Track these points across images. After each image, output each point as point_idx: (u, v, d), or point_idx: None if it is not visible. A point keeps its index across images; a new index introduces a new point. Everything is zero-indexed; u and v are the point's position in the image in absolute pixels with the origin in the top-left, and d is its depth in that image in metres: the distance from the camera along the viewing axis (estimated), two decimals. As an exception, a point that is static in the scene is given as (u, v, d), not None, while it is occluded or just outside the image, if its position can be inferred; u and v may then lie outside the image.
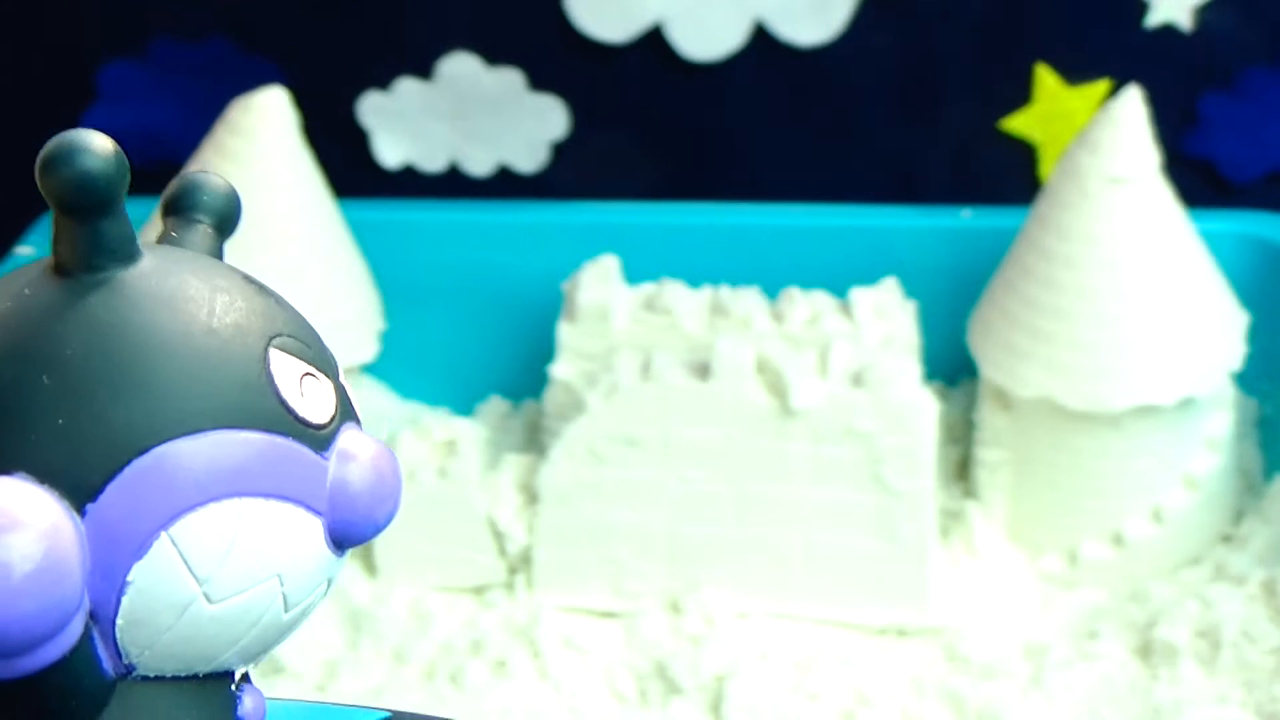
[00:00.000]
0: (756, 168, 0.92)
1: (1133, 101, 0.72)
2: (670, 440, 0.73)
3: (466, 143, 0.91)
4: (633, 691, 0.73)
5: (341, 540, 0.33)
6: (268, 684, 0.73)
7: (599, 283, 0.79)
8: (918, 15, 0.87)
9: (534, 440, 0.88)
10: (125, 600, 0.31)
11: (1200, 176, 0.91)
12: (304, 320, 0.35)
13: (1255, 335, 0.78)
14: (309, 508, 0.32)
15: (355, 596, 0.77)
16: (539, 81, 0.89)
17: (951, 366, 0.88)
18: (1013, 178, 0.91)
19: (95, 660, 0.31)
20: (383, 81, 0.90)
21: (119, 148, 0.31)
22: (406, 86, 0.90)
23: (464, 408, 0.91)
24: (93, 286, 0.32)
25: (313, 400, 0.33)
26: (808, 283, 0.81)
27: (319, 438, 0.33)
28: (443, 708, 0.72)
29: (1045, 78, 0.88)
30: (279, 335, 0.33)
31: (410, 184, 0.92)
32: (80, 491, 0.30)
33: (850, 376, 0.72)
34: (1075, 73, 0.88)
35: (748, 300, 0.79)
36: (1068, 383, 0.73)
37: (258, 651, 0.33)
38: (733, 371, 0.72)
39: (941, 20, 0.88)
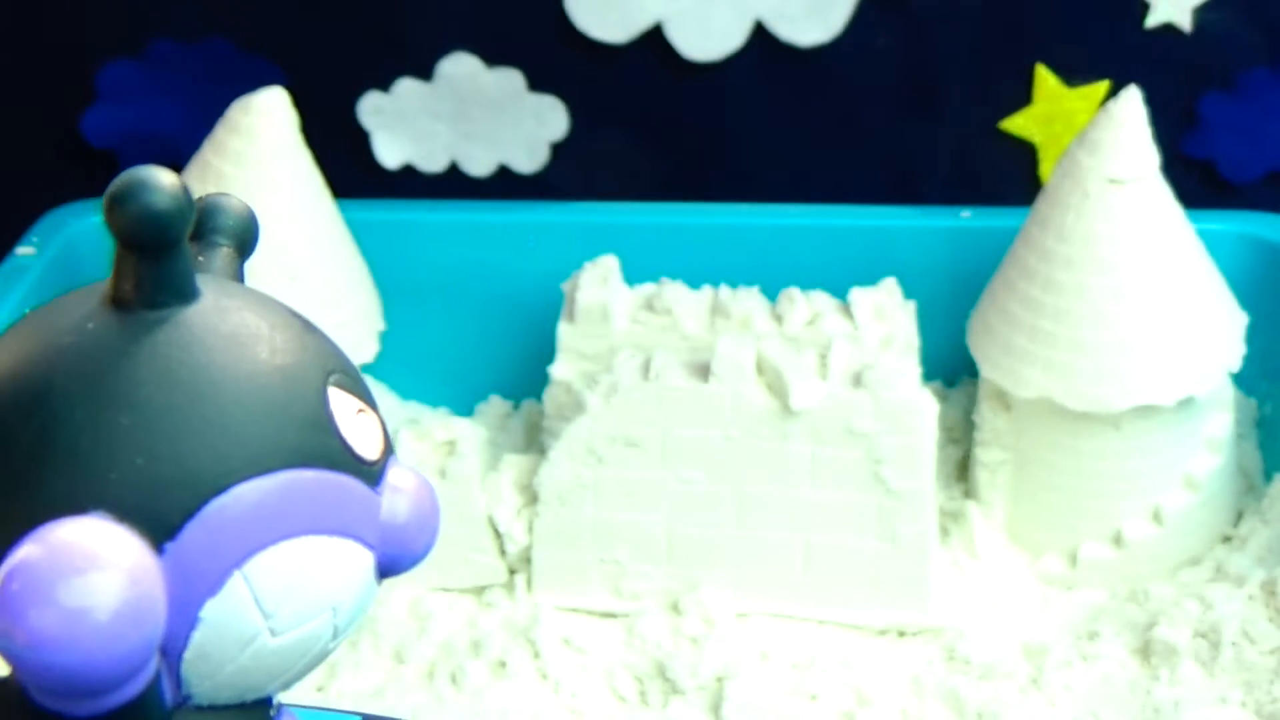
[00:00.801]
0: (756, 168, 0.92)
1: (1133, 102, 0.72)
2: (670, 441, 0.73)
3: (466, 143, 0.91)
4: (632, 692, 0.73)
5: (387, 571, 0.34)
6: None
7: (599, 283, 0.79)
8: (918, 16, 0.87)
9: (534, 440, 0.88)
10: (195, 635, 0.31)
11: (1200, 177, 0.91)
12: (346, 355, 0.36)
13: (1255, 336, 0.78)
14: (365, 542, 0.33)
15: (355, 597, 0.77)
16: (539, 82, 0.90)
17: (951, 367, 0.88)
18: (1012, 178, 0.91)
19: (159, 693, 0.31)
20: (383, 82, 0.90)
21: (185, 186, 0.32)
22: (406, 87, 0.90)
23: (464, 408, 0.91)
24: (157, 324, 0.32)
25: (365, 436, 0.34)
26: (807, 283, 0.81)
27: (372, 473, 0.34)
28: (443, 708, 0.72)
29: (1045, 78, 0.88)
30: (334, 372, 0.34)
31: (410, 184, 0.92)
32: (160, 531, 0.30)
33: (850, 377, 0.72)
34: (1075, 73, 0.88)
35: (747, 301, 0.79)
36: (1067, 383, 0.73)
37: (300, 678, 0.34)
38: (732, 372, 0.72)
39: (941, 21, 0.88)
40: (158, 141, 0.91)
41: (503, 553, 0.78)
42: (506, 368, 0.90)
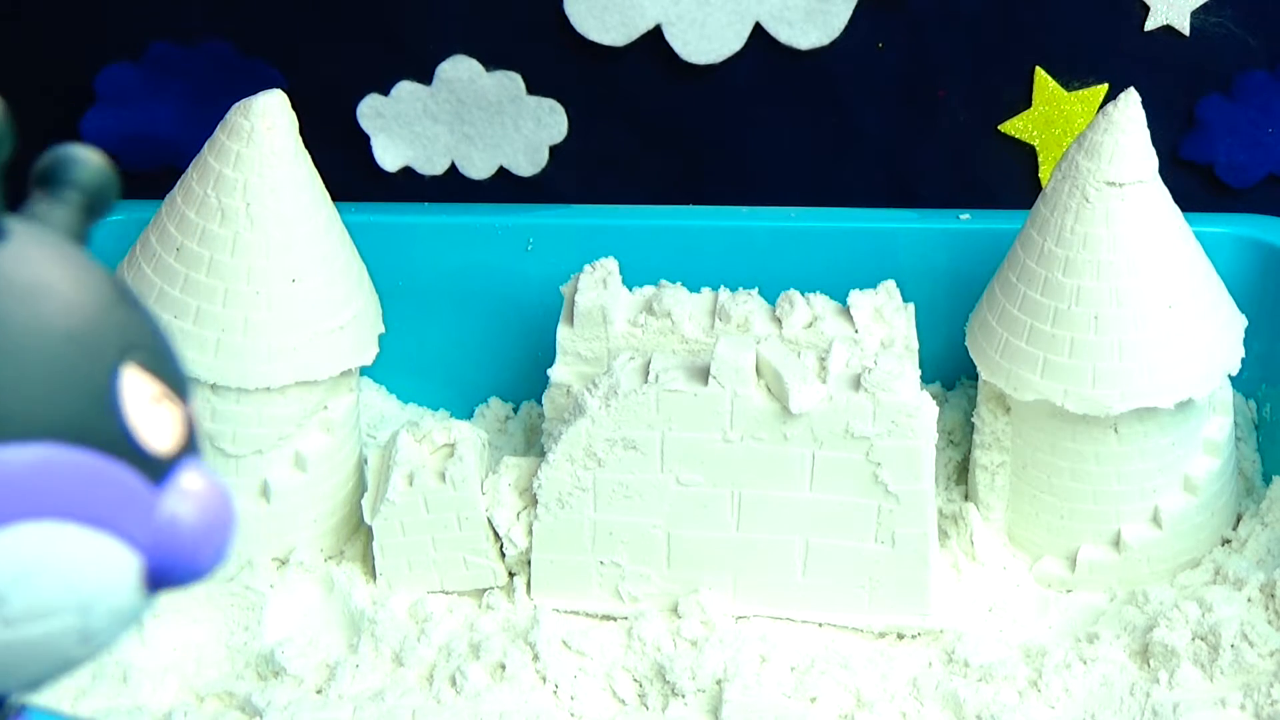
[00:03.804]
0: (755, 171, 0.92)
1: (1132, 105, 0.72)
2: (669, 443, 0.73)
3: (466, 146, 0.91)
4: (632, 694, 0.73)
5: (161, 580, 0.31)
6: (267, 686, 0.73)
7: (598, 286, 0.79)
8: (917, 19, 0.87)
9: (533, 443, 0.88)
10: None
11: (1199, 180, 0.91)
12: (168, 340, 0.32)
13: (1253, 338, 0.78)
14: (131, 540, 0.30)
15: (355, 599, 0.77)
16: (538, 85, 0.89)
17: (950, 369, 0.88)
18: (1012, 181, 0.91)
19: None
20: (382, 85, 0.90)
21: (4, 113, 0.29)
22: (406, 90, 0.90)
23: (463, 410, 0.91)
24: None
25: (157, 425, 0.30)
26: (807, 286, 0.81)
27: (155, 467, 0.30)
28: (442, 710, 0.72)
29: (1044, 81, 0.88)
30: (137, 350, 0.31)
31: (410, 187, 0.92)
32: None
33: (849, 380, 0.72)
34: (1074, 76, 0.88)
35: (747, 303, 0.79)
36: (1066, 386, 0.73)
37: (40, 683, 0.31)
38: (732, 375, 0.72)
39: (941, 24, 0.88)
40: (157, 144, 0.91)
41: (502, 555, 0.78)
42: (506, 370, 0.90)
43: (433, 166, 0.92)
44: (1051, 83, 0.88)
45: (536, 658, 0.73)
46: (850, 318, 0.78)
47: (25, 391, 0.29)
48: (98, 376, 0.30)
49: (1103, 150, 0.72)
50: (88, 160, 0.33)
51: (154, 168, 0.91)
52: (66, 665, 0.31)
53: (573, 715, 0.72)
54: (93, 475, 0.29)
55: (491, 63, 0.89)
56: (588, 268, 0.81)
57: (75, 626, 0.30)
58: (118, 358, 0.30)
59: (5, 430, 0.28)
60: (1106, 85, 0.88)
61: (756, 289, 0.81)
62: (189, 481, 0.31)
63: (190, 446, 0.31)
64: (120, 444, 0.30)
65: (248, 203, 0.75)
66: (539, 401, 0.84)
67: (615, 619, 0.76)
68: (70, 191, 0.33)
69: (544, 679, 0.73)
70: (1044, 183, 0.80)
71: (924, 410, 0.72)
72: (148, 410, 0.30)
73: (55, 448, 0.29)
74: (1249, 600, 0.74)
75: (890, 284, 0.80)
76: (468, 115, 0.90)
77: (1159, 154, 0.73)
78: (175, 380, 0.31)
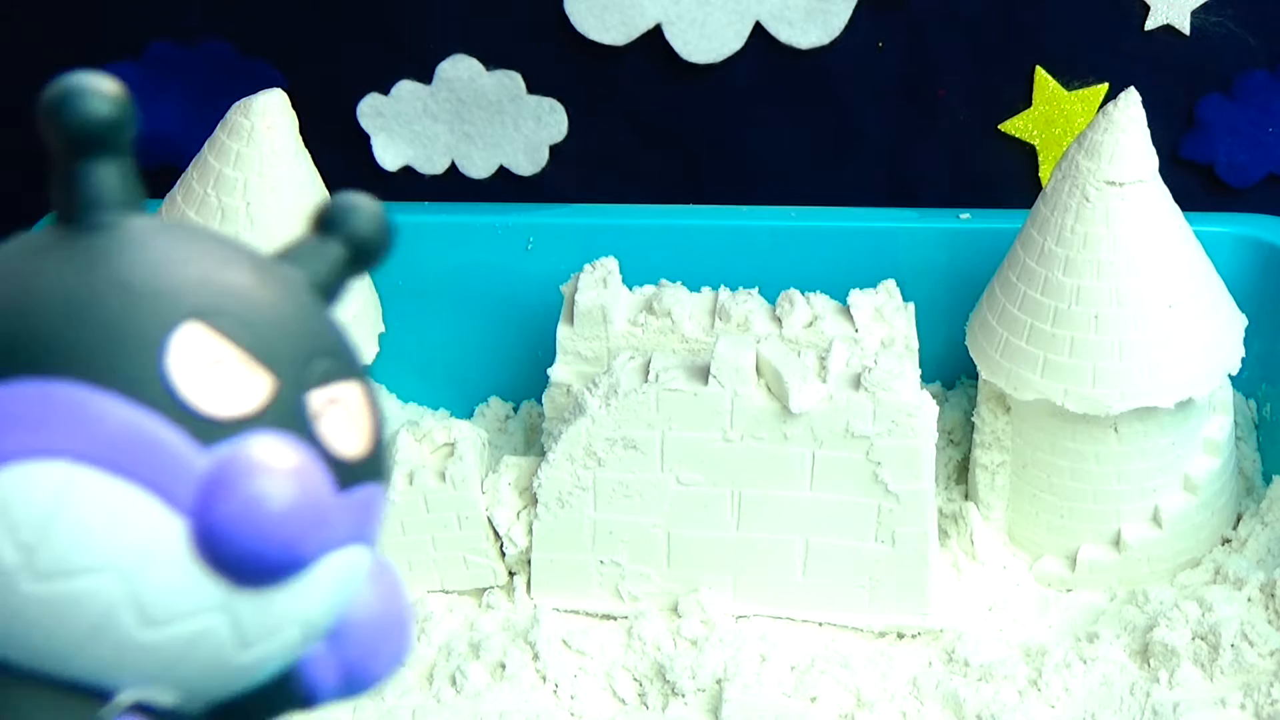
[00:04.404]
0: (755, 170, 0.92)
1: (1132, 104, 0.72)
2: (669, 443, 0.73)
3: (466, 145, 0.91)
4: (632, 694, 0.73)
5: (223, 558, 0.29)
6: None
7: (598, 285, 0.79)
8: (917, 18, 0.87)
9: (533, 443, 0.88)
10: None
11: (1199, 179, 0.91)
12: (292, 315, 0.31)
13: (1254, 338, 0.78)
14: (166, 498, 0.28)
15: (354, 599, 0.77)
16: (538, 84, 0.90)
17: (950, 369, 0.88)
18: (1012, 181, 0.91)
19: None
20: (382, 84, 0.90)
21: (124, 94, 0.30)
22: (406, 89, 0.90)
23: (463, 410, 0.91)
24: (82, 234, 0.31)
25: (212, 386, 0.29)
26: (807, 285, 0.81)
27: (204, 428, 0.29)
28: (442, 709, 0.72)
29: (1045, 80, 0.88)
30: (212, 315, 0.30)
31: (410, 186, 0.92)
32: None
33: (849, 379, 0.72)
34: (1075, 76, 0.88)
35: (747, 303, 0.79)
36: (1066, 385, 0.73)
37: (126, 672, 0.29)
38: (732, 374, 0.72)
39: (941, 23, 0.88)
40: (158, 143, 0.91)
41: (502, 555, 0.78)
42: (506, 370, 0.90)
43: (433, 166, 0.92)
44: (1051, 82, 0.88)
45: (536, 657, 0.73)
46: (850, 317, 0.78)
47: (56, 332, 0.29)
48: (142, 328, 0.29)
49: (1103, 150, 0.72)
50: (362, 210, 0.34)
51: (154, 167, 0.91)
52: (136, 651, 0.29)
53: (573, 715, 0.72)
54: (118, 422, 0.28)
55: (491, 62, 0.89)
56: (588, 267, 0.81)
57: (115, 591, 0.28)
58: (180, 314, 0.29)
59: (32, 365, 0.28)
60: (1106, 85, 0.88)
61: (756, 289, 0.81)
62: (259, 450, 0.29)
63: (278, 423, 0.30)
64: (156, 396, 0.29)
65: (248, 202, 0.75)
66: (539, 401, 0.84)
67: (615, 618, 0.76)
68: (336, 242, 0.34)
69: (544, 678, 0.73)
70: (1044, 182, 0.80)
71: (924, 410, 0.72)
72: (202, 369, 0.29)
73: (80, 387, 0.28)
74: (1249, 600, 0.74)
75: (890, 284, 0.80)
76: (468, 115, 0.90)
77: (1159, 154, 0.73)
78: (255, 347, 0.30)
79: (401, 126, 0.91)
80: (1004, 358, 0.75)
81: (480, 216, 0.89)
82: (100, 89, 0.30)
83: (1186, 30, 0.87)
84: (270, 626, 0.30)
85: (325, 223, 0.34)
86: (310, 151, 0.77)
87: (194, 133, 0.81)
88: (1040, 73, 0.88)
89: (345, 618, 0.33)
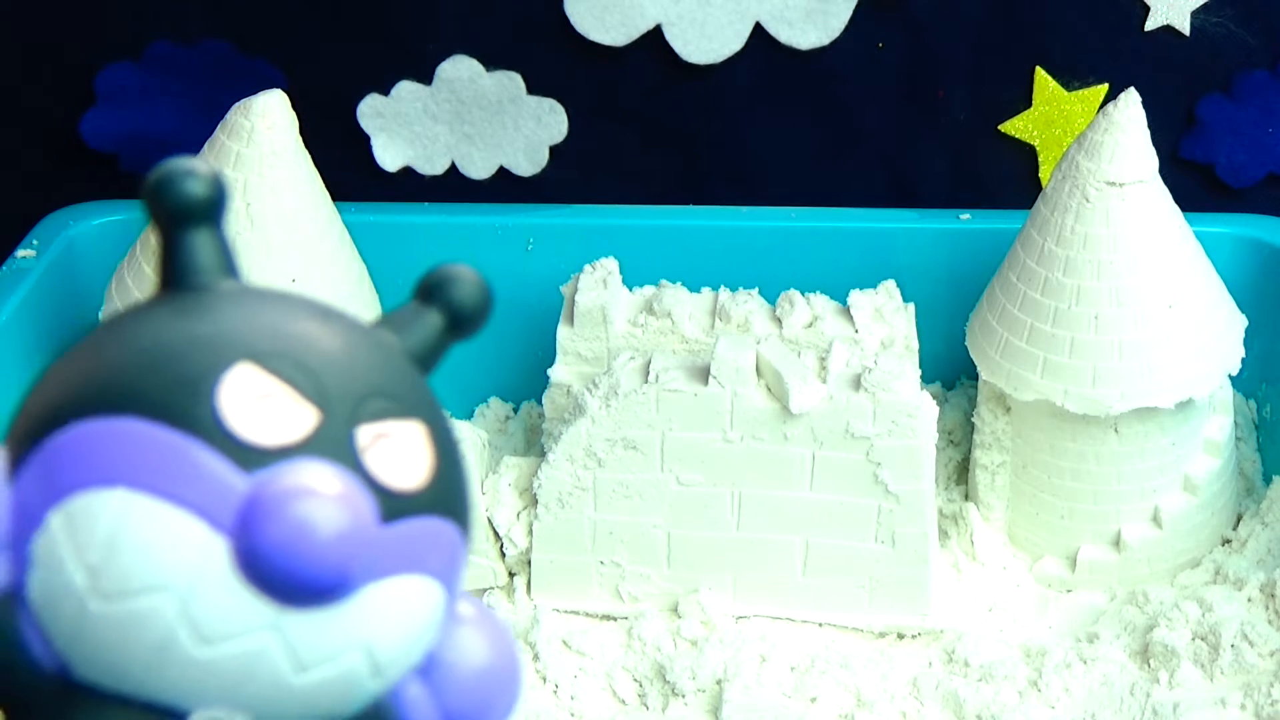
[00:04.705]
0: (755, 171, 0.92)
1: (1132, 105, 0.72)
2: (669, 443, 0.73)
3: (466, 146, 0.91)
4: (632, 694, 0.73)
5: (262, 575, 0.30)
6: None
7: (598, 286, 0.79)
8: (917, 19, 0.88)
9: (533, 443, 0.88)
10: (33, 577, 0.31)
11: (1199, 180, 0.91)
12: (349, 359, 0.33)
13: (1254, 338, 0.78)
14: (210, 521, 0.30)
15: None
16: (538, 85, 0.90)
17: (950, 369, 0.88)
18: (1012, 181, 0.91)
19: (18, 632, 0.31)
20: (382, 84, 0.90)
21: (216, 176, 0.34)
22: (406, 89, 0.90)
23: (463, 411, 0.91)
24: (170, 298, 0.34)
25: (259, 417, 0.31)
26: (807, 286, 0.81)
27: (248, 455, 0.31)
28: (442, 710, 0.72)
29: (1045, 81, 0.88)
30: (264, 356, 0.32)
31: (410, 187, 0.92)
32: (13, 463, 0.32)
33: (849, 379, 0.72)
34: (1075, 76, 0.88)
35: (747, 303, 0.79)
36: (1066, 385, 0.73)
37: (194, 692, 0.31)
38: (732, 375, 0.72)
39: (941, 23, 0.88)
40: (157, 144, 0.91)
41: (502, 555, 0.78)
42: (506, 370, 0.90)
43: (433, 166, 0.92)
44: (1051, 83, 0.88)
45: (536, 657, 0.73)
46: (850, 318, 0.78)
47: (112, 374, 0.32)
48: (198, 367, 0.32)
49: (1103, 150, 0.72)
50: (463, 281, 0.36)
51: (154, 167, 0.91)
52: (199, 670, 0.31)
53: (573, 715, 0.72)
54: (165, 449, 0.31)
55: (492, 63, 0.89)
56: (588, 268, 0.81)
57: (176, 612, 0.30)
58: (233, 356, 0.32)
59: (91, 407, 0.31)
60: (1106, 85, 0.88)
61: (756, 289, 0.81)
62: (297, 477, 0.31)
63: (321, 452, 0.32)
64: (203, 425, 0.31)
65: (248, 203, 0.75)
66: (539, 401, 0.84)
67: (615, 619, 0.76)
68: (435, 312, 0.36)
69: (544, 679, 0.73)
70: (1044, 183, 0.80)
71: (924, 410, 0.72)
72: (251, 403, 0.31)
73: (132, 421, 0.31)
74: (1249, 600, 0.74)
75: (890, 284, 0.80)
76: (468, 115, 0.90)
77: (1159, 154, 0.73)
78: (317, 392, 0.32)
79: (401, 127, 0.91)
80: (1004, 358, 0.75)
81: (480, 217, 0.89)
82: (197, 171, 0.34)
83: (1186, 30, 0.87)
84: (326, 651, 0.32)
85: (426, 291, 0.36)
86: (310, 151, 0.77)
87: (194, 133, 0.81)
88: (1040, 73, 0.88)
89: (442, 660, 0.34)
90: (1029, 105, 0.89)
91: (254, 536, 0.30)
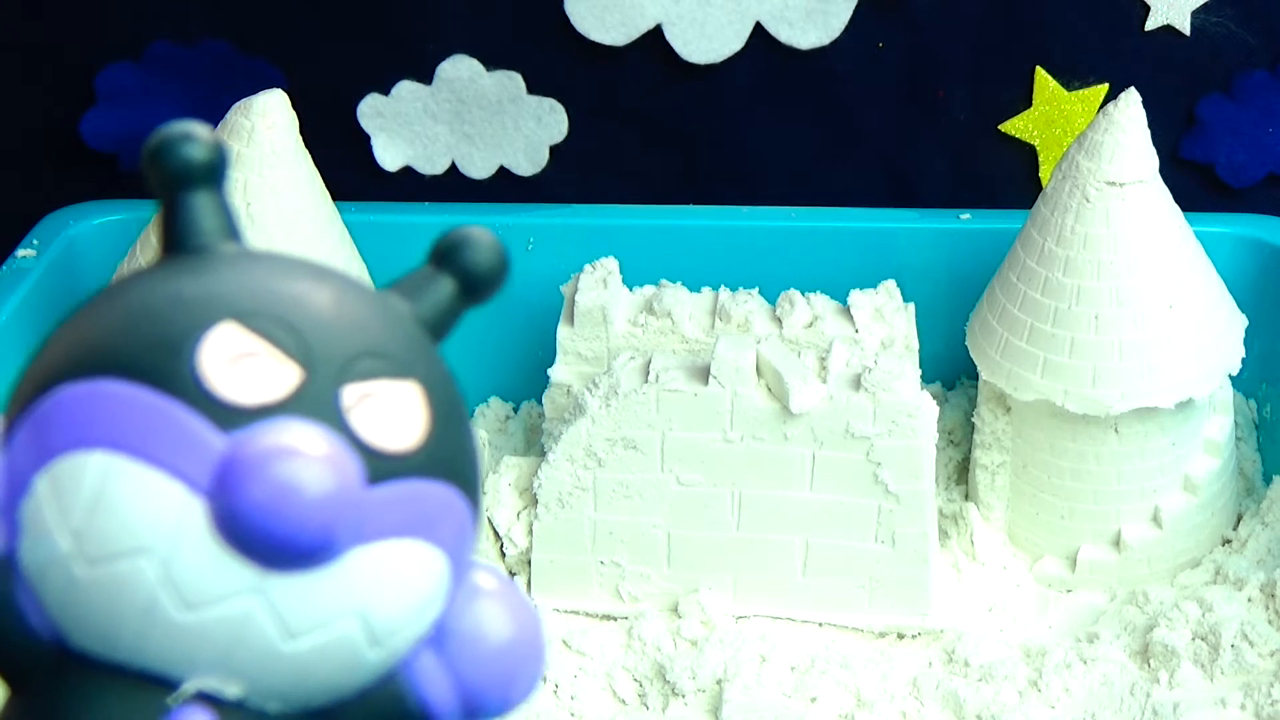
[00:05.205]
0: (756, 170, 0.92)
1: (1132, 105, 0.72)
2: (669, 443, 0.73)
3: (466, 145, 0.91)
4: (632, 694, 0.73)
5: (239, 536, 0.30)
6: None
7: (598, 285, 0.79)
8: (917, 18, 0.88)
9: (533, 443, 0.88)
10: (21, 543, 0.31)
11: (1199, 180, 0.91)
12: (340, 319, 0.33)
13: (1254, 338, 0.78)
14: (187, 482, 0.30)
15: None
16: (539, 84, 0.90)
17: (950, 369, 0.88)
18: (1012, 181, 0.91)
19: (14, 599, 0.31)
20: (383, 84, 0.90)
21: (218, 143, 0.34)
22: (406, 89, 0.90)
23: (463, 410, 0.91)
24: (169, 262, 0.34)
25: (246, 378, 0.31)
26: (807, 286, 0.81)
27: (228, 414, 0.30)
28: (442, 710, 0.72)
29: (1045, 81, 0.88)
30: (254, 315, 0.32)
31: (410, 187, 0.92)
32: (9, 423, 0.32)
33: (849, 379, 0.72)
34: (1075, 76, 0.88)
35: (747, 303, 0.79)
36: (1066, 386, 0.73)
37: (183, 659, 0.30)
38: (732, 374, 0.72)
39: (940, 24, 0.88)
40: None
41: (502, 555, 0.78)
42: (506, 370, 0.90)
43: (433, 166, 0.92)
44: (1051, 83, 0.88)
45: (536, 657, 0.73)
46: (850, 318, 0.78)
47: (102, 339, 0.31)
48: (187, 329, 0.31)
49: (1103, 150, 0.72)
50: (478, 245, 0.36)
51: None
52: (186, 636, 0.30)
53: (573, 715, 0.72)
54: (143, 408, 0.30)
55: (492, 62, 0.89)
56: (588, 267, 0.81)
57: (158, 575, 0.30)
58: (216, 315, 0.31)
59: (74, 371, 0.31)
60: (1106, 85, 0.88)
61: (756, 289, 0.81)
62: (277, 434, 0.30)
63: (307, 412, 0.31)
64: (184, 385, 0.31)
65: (248, 202, 0.75)
66: (539, 401, 0.84)
67: (615, 619, 0.76)
68: (448, 276, 0.36)
69: (544, 679, 0.73)
70: (1044, 183, 0.80)
71: (924, 410, 0.72)
72: (230, 362, 0.31)
73: (110, 382, 0.30)
74: (1249, 600, 0.74)
75: (890, 284, 0.80)
76: (468, 115, 0.90)
77: (1159, 154, 0.73)
78: (304, 353, 0.32)
79: (402, 127, 0.91)
80: (1004, 358, 0.75)
81: (480, 217, 0.89)
82: (196, 134, 0.33)
83: (1186, 30, 0.87)
84: (316, 617, 0.31)
85: (439, 255, 0.36)
86: (310, 151, 0.77)
87: (194, 133, 0.81)
88: (1040, 73, 0.88)
89: (461, 633, 0.33)
90: (1029, 105, 0.89)
91: (230, 496, 0.29)
